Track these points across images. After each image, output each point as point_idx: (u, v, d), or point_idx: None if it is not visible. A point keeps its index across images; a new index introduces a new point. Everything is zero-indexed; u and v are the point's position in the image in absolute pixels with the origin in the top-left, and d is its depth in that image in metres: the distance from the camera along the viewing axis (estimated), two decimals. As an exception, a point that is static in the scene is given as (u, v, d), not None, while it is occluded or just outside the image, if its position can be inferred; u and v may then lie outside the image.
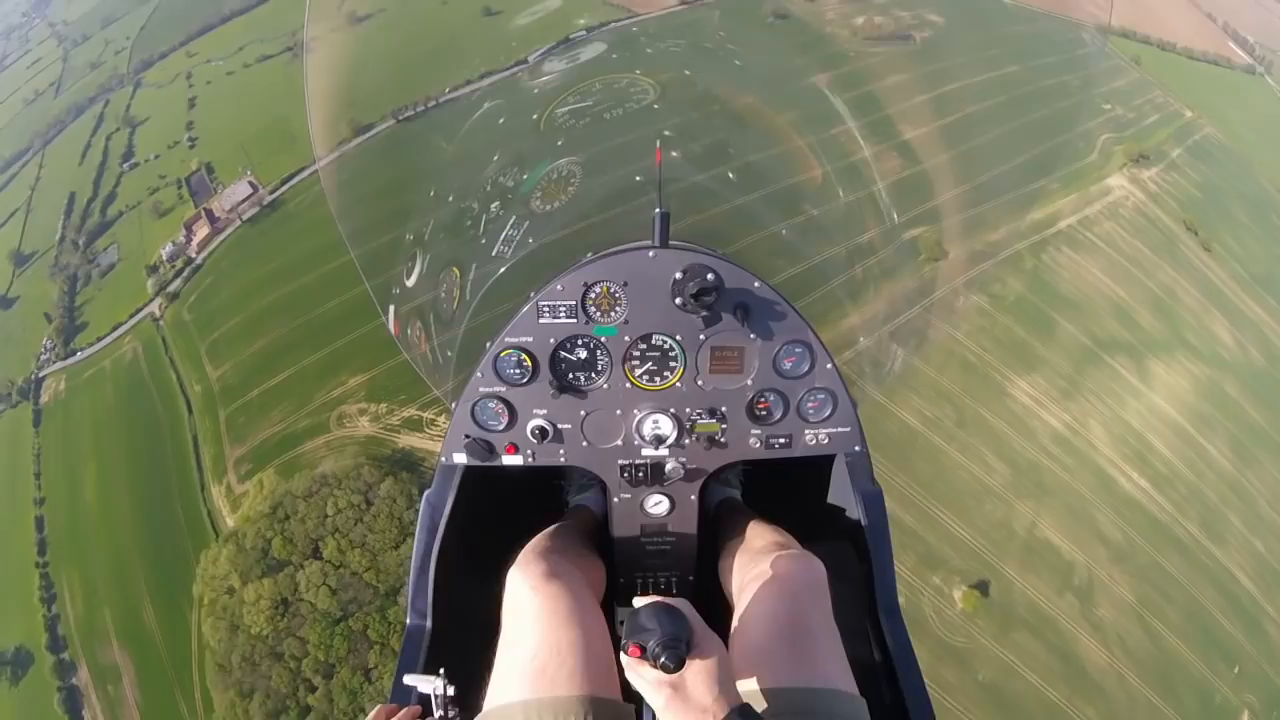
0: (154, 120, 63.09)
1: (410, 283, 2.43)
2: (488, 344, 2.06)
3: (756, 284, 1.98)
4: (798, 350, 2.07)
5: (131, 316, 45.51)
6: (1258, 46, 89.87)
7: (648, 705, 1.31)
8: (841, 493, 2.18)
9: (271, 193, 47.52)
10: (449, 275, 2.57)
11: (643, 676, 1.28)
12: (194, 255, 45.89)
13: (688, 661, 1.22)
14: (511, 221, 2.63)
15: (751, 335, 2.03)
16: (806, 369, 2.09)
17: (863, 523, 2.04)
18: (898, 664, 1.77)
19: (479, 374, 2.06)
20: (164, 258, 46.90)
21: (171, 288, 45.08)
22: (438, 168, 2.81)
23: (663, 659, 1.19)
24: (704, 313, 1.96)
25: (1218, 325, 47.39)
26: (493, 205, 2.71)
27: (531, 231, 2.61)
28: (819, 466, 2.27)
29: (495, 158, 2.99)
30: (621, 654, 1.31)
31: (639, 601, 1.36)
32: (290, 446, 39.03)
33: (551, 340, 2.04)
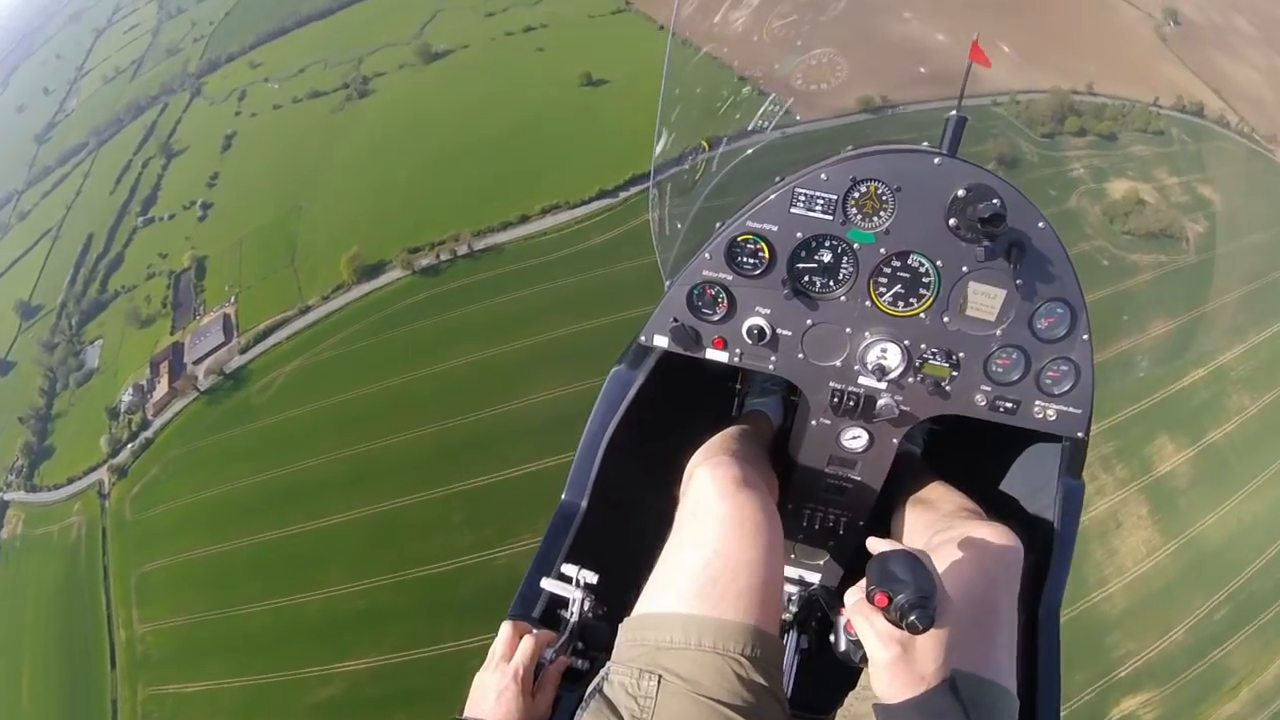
0: (187, 157, 59.75)
1: (656, 152, 2.32)
2: (718, 224, 1.90)
3: (1041, 224, 1.73)
4: (1059, 311, 1.83)
5: (85, 474, 39.74)
6: None
7: (793, 648, 1.39)
8: (1039, 476, 2.07)
9: (243, 350, 37.15)
10: (698, 147, 2.41)
11: (873, 625, 1.17)
12: (150, 417, 38.16)
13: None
14: (771, 97, 2.36)
15: (1018, 281, 1.79)
16: (1062, 334, 1.85)
17: (1054, 514, 1.94)
18: (1042, 671, 1.73)
19: (707, 255, 1.88)
20: (124, 405, 40.05)
21: (120, 459, 38.05)
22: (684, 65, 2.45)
23: (912, 617, 1.08)
24: (985, 243, 1.72)
25: None
26: (744, 90, 2.45)
27: (795, 107, 2.36)
28: (1017, 442, 2.13)
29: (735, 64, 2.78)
30: (860, 598, 1.20)
31: (876, 545, 1.29)
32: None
33: (799, 234, 1.84)
